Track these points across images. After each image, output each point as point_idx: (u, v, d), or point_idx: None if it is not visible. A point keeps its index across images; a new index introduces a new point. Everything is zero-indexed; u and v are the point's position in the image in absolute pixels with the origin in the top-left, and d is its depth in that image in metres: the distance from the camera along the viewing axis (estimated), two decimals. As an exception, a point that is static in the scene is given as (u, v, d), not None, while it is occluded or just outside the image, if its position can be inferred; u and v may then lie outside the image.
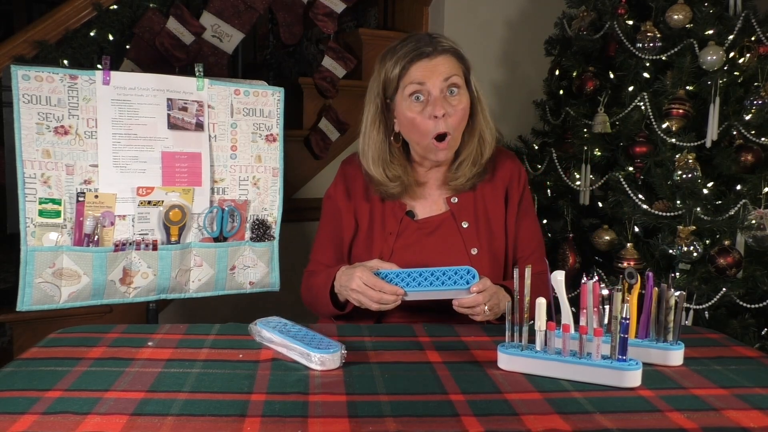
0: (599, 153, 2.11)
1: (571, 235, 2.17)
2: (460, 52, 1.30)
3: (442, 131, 1.25)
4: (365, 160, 1.34)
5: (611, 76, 2.12)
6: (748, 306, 1.81)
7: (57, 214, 1.41)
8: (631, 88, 2.01)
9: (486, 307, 1.13)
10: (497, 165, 1.38)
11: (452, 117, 1.25)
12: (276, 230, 1.64)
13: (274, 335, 1.00)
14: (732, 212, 1.81)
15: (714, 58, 1.85)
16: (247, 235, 1.61)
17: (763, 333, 1.86)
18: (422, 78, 1.24)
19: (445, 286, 1.09)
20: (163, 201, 1.50)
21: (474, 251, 1.31)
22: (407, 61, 1.25)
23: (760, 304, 1.80)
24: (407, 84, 1.25)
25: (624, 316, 0.86)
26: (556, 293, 0.95)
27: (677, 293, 0.95)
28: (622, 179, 1.98)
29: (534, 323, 0.91)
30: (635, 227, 2.00)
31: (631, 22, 2.05)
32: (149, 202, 1.49)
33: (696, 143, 1.89)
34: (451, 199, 1.35)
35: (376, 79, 1.32)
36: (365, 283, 1.15)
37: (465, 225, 1.33)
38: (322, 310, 1.33)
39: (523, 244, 1.37)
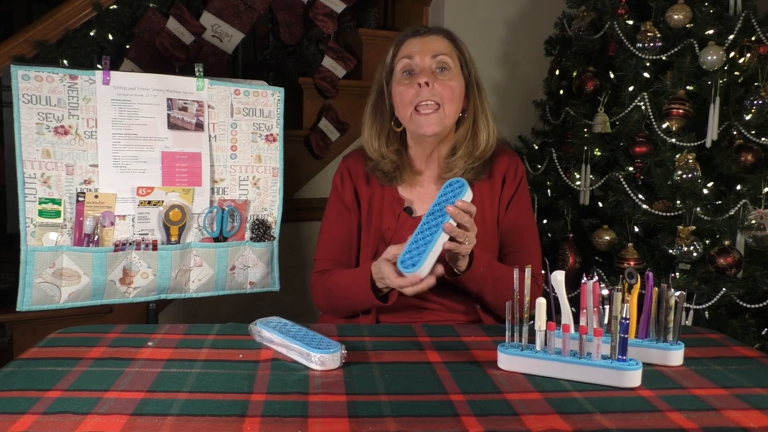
0: (599, 153, 2.11)
1: (571, 235, 2.17)
2: (454, 37, 1.35)
3: (425, 99, 1.27)
4: (363, 135, 1.39)
5: (611, 76, 2.12)
6: (748, 306, 1.81)
7: (57, 214, 1.41)
8: (631, 88, 2.01)
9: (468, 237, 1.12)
10: (495, 162, 1.38)
11: (439, 88, 1.27)
12: (276, 230, 1.64)
13: (274, 335, 1.00)
14: (732, 212, 1.81)
15: (714, 58, 1.85)
16: (247, 235, 1.61)
17: (763, 333, 1.86)
18: (412, 52, 1.30)
19: (445, 217, 1.08)
20: (163, 201, 1.50)
21: None
22: (401, 38, 1.34)
23: (760, 304, 1.80)
24: (399, 60, 1.32)
25: (624, 316, 0.86)
26: (556, 293, 0.95)
27: (677, 293, 0.95)
28: (622, 179, 1.98)
29: (534, 323, 0.91)
30: (635, 227, 2.00)
31: (631, 22, 2.05)
32: (149, 202, 1.49)
33: (696, 143, 1.89)
34: None
35: (381, 64, 1.39)
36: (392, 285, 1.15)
37: None
38: (359, 307, 1.29)
39: (511, 239, 1.34)
